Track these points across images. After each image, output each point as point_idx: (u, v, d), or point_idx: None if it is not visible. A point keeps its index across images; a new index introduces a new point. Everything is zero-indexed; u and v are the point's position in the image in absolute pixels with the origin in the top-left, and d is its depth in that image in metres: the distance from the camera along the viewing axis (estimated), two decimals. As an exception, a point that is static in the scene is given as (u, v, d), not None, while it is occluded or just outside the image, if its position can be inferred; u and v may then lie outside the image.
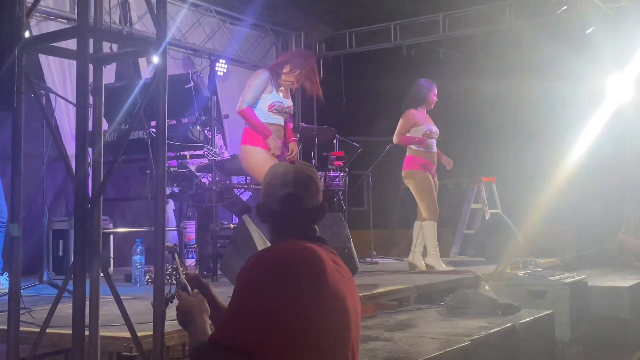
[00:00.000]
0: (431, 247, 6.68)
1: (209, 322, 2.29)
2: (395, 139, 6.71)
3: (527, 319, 4.47)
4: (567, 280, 5.66)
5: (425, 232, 6.67)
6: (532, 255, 6.83)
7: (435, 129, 6.76)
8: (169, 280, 5.14)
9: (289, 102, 5.44)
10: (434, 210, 6.65)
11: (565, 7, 8.79)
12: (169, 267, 5.38)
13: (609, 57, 8.67)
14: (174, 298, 2.37)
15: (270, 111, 5.30)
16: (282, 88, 5.40)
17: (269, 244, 3.60)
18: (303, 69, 5.37)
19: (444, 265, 6.68)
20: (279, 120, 5.40)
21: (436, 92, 6.80)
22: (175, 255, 2.53)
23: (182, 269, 2.42)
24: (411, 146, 6.70)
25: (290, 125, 5.72)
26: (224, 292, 2.48)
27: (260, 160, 5.19)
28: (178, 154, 6.22)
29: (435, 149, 6.78)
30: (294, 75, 5.36)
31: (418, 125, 6.66)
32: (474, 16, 9.79)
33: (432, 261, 6.68)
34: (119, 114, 6.18)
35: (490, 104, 9.97)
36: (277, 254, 2.17)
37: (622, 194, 8.89)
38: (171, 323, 2.56)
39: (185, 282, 2.36)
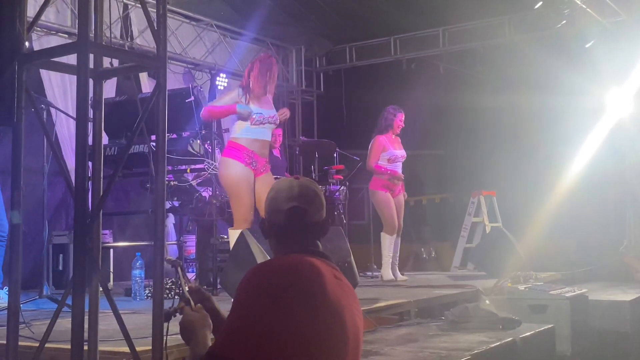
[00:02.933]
0: (383, 257, 7.20)
1: (211, 336, 2.28)
2: (369, 165, 7.22)
3: (528, 334, 4.46)
4: (567, 295, 5.64)
5: (381, 242, 7.22)
6: (532, 269, 6.81)
7: (399, 153, 7.23)
8: (169, 294, 5.14)
9: (270, 112, 5.42)
10: (391, 226, 7.16)
11: (564, 21, 8.82)
12: (169, 281, 5.37)
13: (609, 71, 8.70)
14: (177, 312, 2.36)
15: (254, 125, 5.31)
16: (259, 98, 5.39)
17: (269, 257, 3.60)
18: (265, 72, 5.38)
19: (390, 275, 7.11)
20: (264, 133, 5.39)
21: (402, 117, 7.23)
22: (179, 268, 2.52)
23: (184, 282, 2.41)
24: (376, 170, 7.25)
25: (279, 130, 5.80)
26: (223, 307, 2.48)
27: (235, 173, 5.26)
28: (176, 167, 6.23)
29: (398, 171, 7.23)
30: (260, 80, 5.36)
31: (385, 151, 7.17)
32: (473, 30, 9.83)
33: (382, 270, 7.20)
34: (119, 128, 6.23)
35: (490, 118, 9.97)
36: (276, 267, 2.17)
37: (623, 208, 8.89)
38: (171, 338, 2.55)
39: (188, 296, 2.35)
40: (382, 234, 7.21)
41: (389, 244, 7.15)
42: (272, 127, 5.47)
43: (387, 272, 7.11)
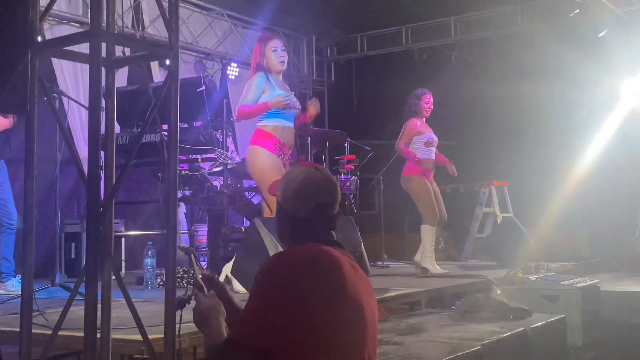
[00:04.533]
0: (427, 250, 6.71)
1: (224, 324, 2.29)
2: (397, 146, 6.79)
3: (539, 324, 4.46)
4: (579, 285, 5.63)
5: (423, 235, 6.72)
6: (544, 259, 6.80)
7: (435, 137, 6.85)
8: (180, 283, 5.16)
9: (292, 98, 5.18)
10: (433, 216, 6.70)
11: (577, 10, 8.76)
12: (180, 270, 5.39)
13: (622, 61, 8.64)
14: (191, 299, 2.37)
15: (282, 108, 5.08)
16: (280, 82, 5.22)
17: (280, 248, 3.61)
18: (274, 43, 5.19)
19: (438, 268, 6.69)
20: (290, 119, 5.15)
21: (428, 99, 6.84)
22: (192, 256, 2.53)
23: (198, 269, 2.42)
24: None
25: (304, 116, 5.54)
26: (235, 296, 2.50)
27: (263, 161, 5.02)
28: (189, 157, 6.24)
29: (433, 156, 6.86)
30: (276, 53, 5.15)
31: (421, 134, 6.76)
32: (485, 20, 9.78)
33: (428, 264, 6.69)
34: (131, 117, 6.24)
35: (502, 108, 9.92)
36: (296, 256, 2.18)
37: (635, 199, 8.84)
38: (182, 326, 2.57)
39: (202, 282, 2.36)
40: (424, 226, 6.68)
41: (432, 237, 6.67)
42: (294, 112, 5.20)
43: (434, 266, 6.65)
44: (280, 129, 5.10)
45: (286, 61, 5.25)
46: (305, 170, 2.36)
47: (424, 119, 6.88)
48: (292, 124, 5.20)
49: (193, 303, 2.35)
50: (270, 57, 5.15)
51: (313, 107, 5.36)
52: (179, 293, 2.54)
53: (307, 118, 5.51)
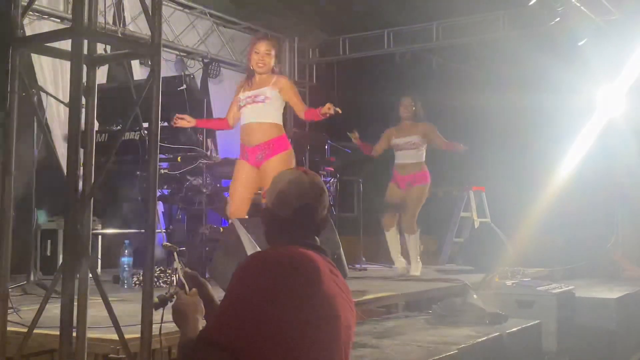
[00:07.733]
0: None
1: (203, 322, 2.29)
2: None
3: (515, 329, 4.49)
4: (554, 291, 5.68)
5: (417, 241, 7.08)
6: (520, 265, 6.85)
7: (399, 141, 7.06)
8: (157, 283, 5.13)
9: (249, 94, 5.23)
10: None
11: (558, 18, 8.83)
12: (157, 269, 5.36)
13: (601, 69, 8.72)
14: (173, 297, 2.36)
15: (239, 111, 5.29)
16: (253, 82, 5.29)
17: (259, 249, 3.60)
18: (258, 47, 5.28)
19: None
20: (247, 117, 5.22)
21: (401, 104, 7.12)
22: (175, 253, 2.52)
23: (180, 267, 2.42)
24: None
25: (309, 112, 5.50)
26: (216, 294, 2.49)
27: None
28: (172, 156, 6.21)
29: (404, 161, 7.03)
30: (255, 55, 5.24)
31: (390, 140, 7.12)
32: (467, 25, 9.83)
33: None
34: (110, 115, 6.19)
35: (481, 114, 9.98)
36: (272, 257, 2.17)
37: (612, 206, 8.93)
38: (158, 326, 2.55)
39: (184, 280, 2.36)
40: (418, 232, 7.07)
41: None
42: (254, 106, 5.19)
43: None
44: (241, 132, 5.32)
45: (267, 65, 5.26)
46: (293, 173, 2.37)
47: (400, 124, 7.11)
48: (246, 121, 5.26)
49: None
50: (252, 59, 5.27)
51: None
52: (156, 293, 2.53)
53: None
